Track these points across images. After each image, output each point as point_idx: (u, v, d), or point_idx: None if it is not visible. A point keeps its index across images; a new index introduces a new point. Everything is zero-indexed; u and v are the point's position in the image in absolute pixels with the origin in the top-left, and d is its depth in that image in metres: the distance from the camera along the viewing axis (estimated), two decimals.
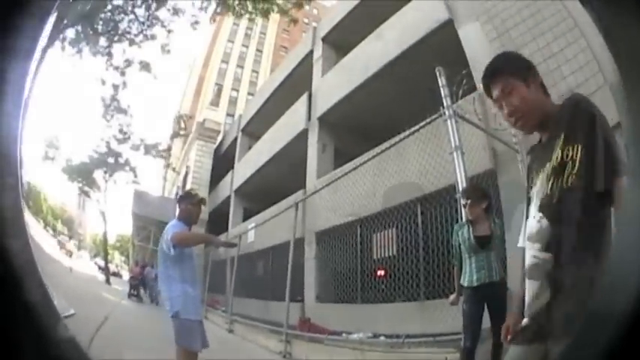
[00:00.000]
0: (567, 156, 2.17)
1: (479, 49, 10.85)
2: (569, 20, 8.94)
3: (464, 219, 6.11)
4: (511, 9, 10.24)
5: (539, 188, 2.39)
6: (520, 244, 4.82)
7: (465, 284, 5.45)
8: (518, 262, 4.95)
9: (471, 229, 5.54)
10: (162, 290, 5.40)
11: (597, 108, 2.19)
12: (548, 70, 8.97)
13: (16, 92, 1.15)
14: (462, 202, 5.92)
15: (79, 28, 15.15)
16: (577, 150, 2.13)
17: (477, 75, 9.75)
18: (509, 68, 2.48)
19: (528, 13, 9.83)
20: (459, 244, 5.66)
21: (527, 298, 2.43)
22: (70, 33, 15.02)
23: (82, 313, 9.46)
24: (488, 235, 5.48)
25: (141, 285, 24.92)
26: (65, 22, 13.80)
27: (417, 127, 8.51)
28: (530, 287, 2.45)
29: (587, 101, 2.21)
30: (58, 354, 1.19)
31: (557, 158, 2.22)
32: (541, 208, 2.37)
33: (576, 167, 2.12)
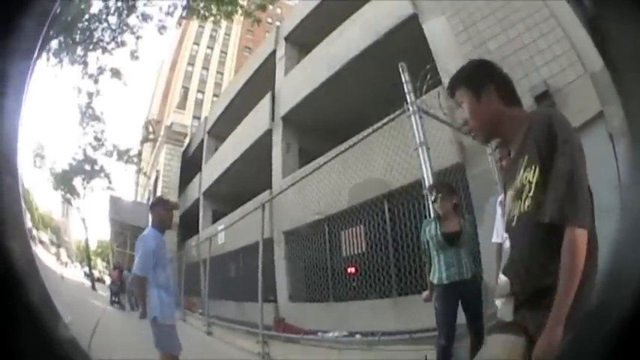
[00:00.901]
0: (526, 178, 2.11)
1: (444, 43, 10.84)
2: (544, 10, 8.90)
3: (431, 215, 6.04)
4: (479, 1, 10.19)
5: (507, 208, 2.31)
6: (494, 239, 4.78)
7: (435, 282, 5.34)
8: (492, 256, 4.93)
9: (438, 225, 5.44)
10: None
11: (570, 129, 2.08)
12: (519, 62, 8.97)
13: (16, 92, 1.13)
14: (431, 197, 5.82)
15: (62, 39, 15.15)
16: (535, 172, 2.06)
17: (442, 69, 9.71)
18: (464, 79, 2.43)
19: (498, 5, 9.79)
20: (427, 241, 5.55)
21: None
22: (54, 44, 15.05)
23: (76, 318, 9.57)
24: (457, 232, 5.37)
25: (120, 291, 24.11)
26: (51, 33, 13.71)
27: (380, 123, 8.42)
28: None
29: (559, 121, 2.08)
30: (60, 354, 1.19)
31: (520, 180, 2.16)
32: (506, 229, 2.30)
33: (532, 191, 2.07)
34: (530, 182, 2.07)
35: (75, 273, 39.00)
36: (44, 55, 14.48)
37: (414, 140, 7.02)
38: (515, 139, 2.26)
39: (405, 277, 10.28)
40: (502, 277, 2.29)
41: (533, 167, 2.06)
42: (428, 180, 6.68)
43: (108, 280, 33.31)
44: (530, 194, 2.06)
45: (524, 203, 2.10)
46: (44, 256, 31.59)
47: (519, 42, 9.14)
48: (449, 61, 10.20)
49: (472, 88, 2.33)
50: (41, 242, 35.56)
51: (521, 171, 2.14)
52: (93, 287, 31.63)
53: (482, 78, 2.35)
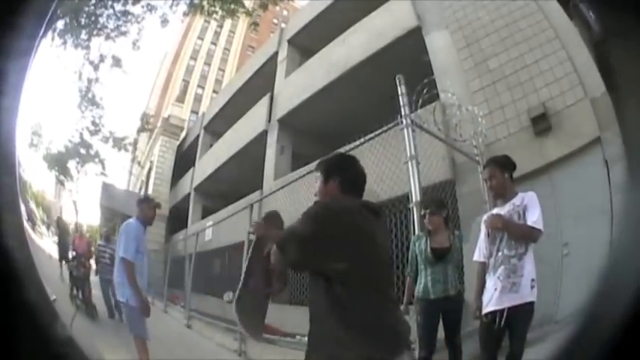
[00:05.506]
0: None
1: (445, 57, 10.84)
2: (549, 32, 8.89)
3: (417, 229, 6.07)
4: (484, 18, 10.23)
5: None
6: (475, 258, 4.80)
7: (420, 296, 5.35)
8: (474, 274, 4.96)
9: (428, 240, 5.44)
10: (116, 276, 5.83)
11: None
12: (519, 82, 8.98)
13: (14, 91, 1.13)
14: (422, 212, 5.82)
15: (67, 20, 15.21)
16: None
17: (440, 83, 9.71)
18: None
19: (503, 23, 9.80)
20: (416, 255, 5.56)
21: None
22: (60, 25, 15.11)
23: (61, 298, 10.09)
24: (446, 248, 5.39)
25: (86, 279, 13.65)
26: (58, 13, 13.81)
27: (372, 134, 8.44)
28: None
29: None
30: (57, 352, 1.20)
31: None
32: None
33: None
34: None
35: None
36: (49, 34, 14.57)
37: (405, 153, 7.02)
38: None
39: None
40: None
41: None
42: (415, 194, 6.68)
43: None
44: None
45: None
46: (35, 235, 31.42)
47: (521, 62, 9.14)
48: (448, 76, 10.22)
49: None
50: (34, 221, 35.32)
51: None
52: None
53: None
